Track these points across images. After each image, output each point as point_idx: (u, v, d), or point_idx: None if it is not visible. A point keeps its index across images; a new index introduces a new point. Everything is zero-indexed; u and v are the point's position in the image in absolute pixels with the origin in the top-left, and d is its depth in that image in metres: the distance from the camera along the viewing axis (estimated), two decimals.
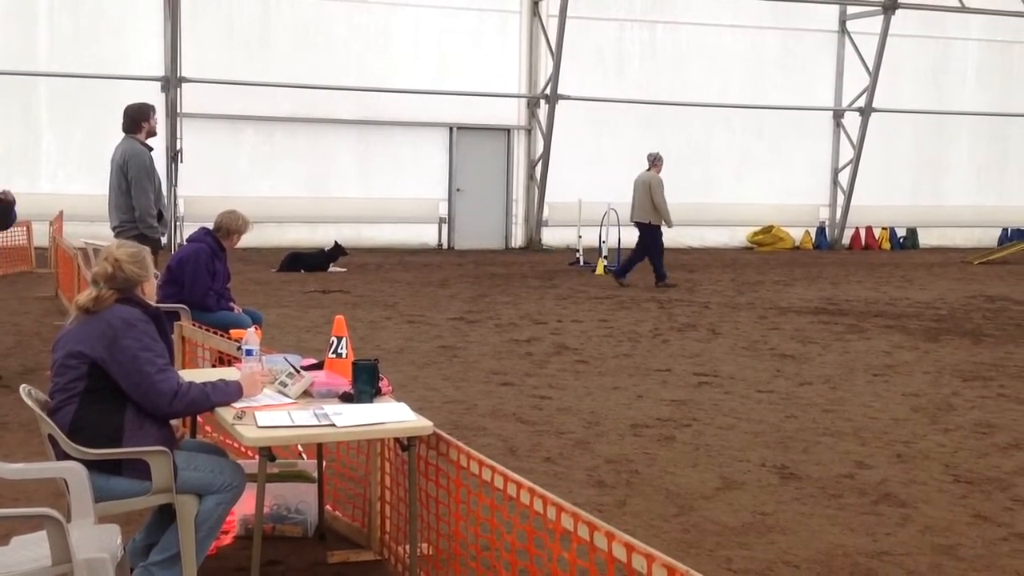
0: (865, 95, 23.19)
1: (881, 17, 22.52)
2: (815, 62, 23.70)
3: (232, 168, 19.85)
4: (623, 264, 15.83)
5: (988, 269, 19.59)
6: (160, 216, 8.35)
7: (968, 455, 6.57)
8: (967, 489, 5.87)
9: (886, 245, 24.23)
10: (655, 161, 15.56)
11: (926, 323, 12.28)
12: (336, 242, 17.47)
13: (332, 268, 16.88)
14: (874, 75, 22.93)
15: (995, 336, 11.38)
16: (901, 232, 24.55)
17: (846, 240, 24.12)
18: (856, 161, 23.41)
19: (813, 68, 23.69)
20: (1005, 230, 24.89)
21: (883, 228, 24.32)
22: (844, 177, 23.82)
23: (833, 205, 24.27)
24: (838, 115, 23.96)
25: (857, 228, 24.12)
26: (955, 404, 8.00)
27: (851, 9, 23.34)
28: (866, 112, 23.20)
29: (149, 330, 4.07)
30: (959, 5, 22.73)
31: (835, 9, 23.51)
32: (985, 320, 12.62)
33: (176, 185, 18.94)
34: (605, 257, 17.50)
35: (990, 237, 24.79)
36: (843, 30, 23.65)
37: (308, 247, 18.11)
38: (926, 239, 24.56)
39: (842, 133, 23.94)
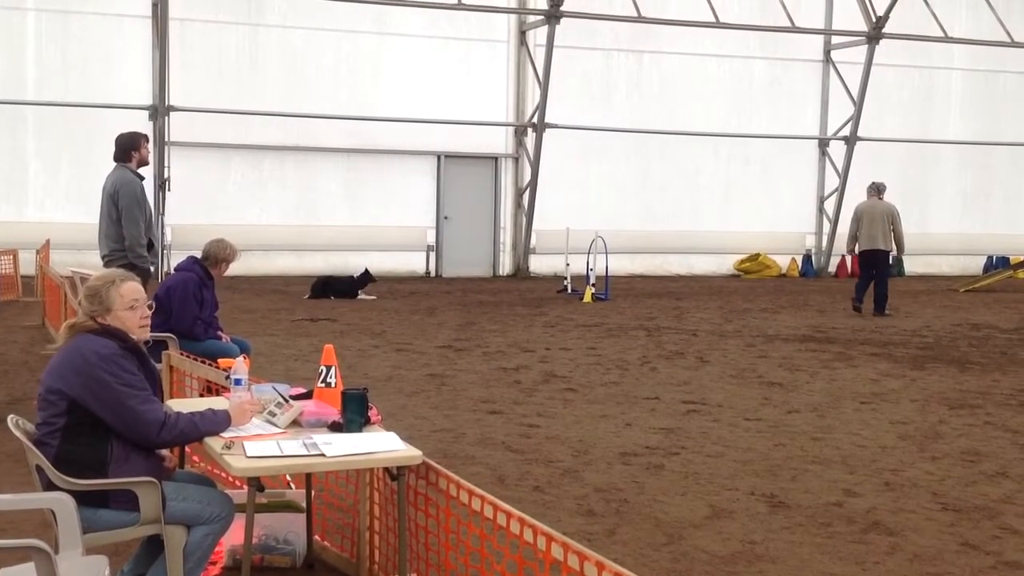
0: (850, 124, 23.37)
1: (866, 47, 22.74)
2: (801, 91, 23.89)
3: (220, 196, 19.86)
4: (879, 302, 15.81)
5: (974, 297, 19.69)
6: (150, 245, 8.35)
7: (956, 483, 6.59)
8: (955, 517, 5.89)
9: None
10: (883, 189, 15.85)
11: (912, 351, 12.32)
12: (366, 269, 17.55)
13: (361, 295, 16.94)
14: (859, 104, 23.12)
15: (981, 364, 11.43)
16: None
17: (832, 268, 24.23)
18: (842, 189, 23.55)
19: (799, 97, 23.88)
20: (990, 258, 25.03)
21: None
22: (830, 205, 23.96)
23: (819, 233, 24.40)
24: (823, 144, 24.13)
25: (843, 256, 24.21)
26: (942, 432, 8.03)
27: (836, 39, 23.56)
28: (851, 141, 23.37)
29: (126, 364, 4.03)
30: (943, 35, 22.96)
31: (820, 39, 23.73)
32: (971, 348, 12.68)
33: (164, 213, 18.94)
34: (593, 285, 17.53)
35: (975, 265, 24.93)
36: (828, 60, 23.85)
37: (339, 274, 18.13)
38: (912, 267, 24.67)
39: (828, 162, 24.10)
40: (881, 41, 22.62)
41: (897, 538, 5.52)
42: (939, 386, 10.01)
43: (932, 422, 8.37)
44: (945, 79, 24.91)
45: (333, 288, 16.96)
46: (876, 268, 15.79)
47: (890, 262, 16.01)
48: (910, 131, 24.46)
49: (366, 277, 17.25)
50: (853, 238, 15.85)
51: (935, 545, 5.42)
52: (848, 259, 23.79)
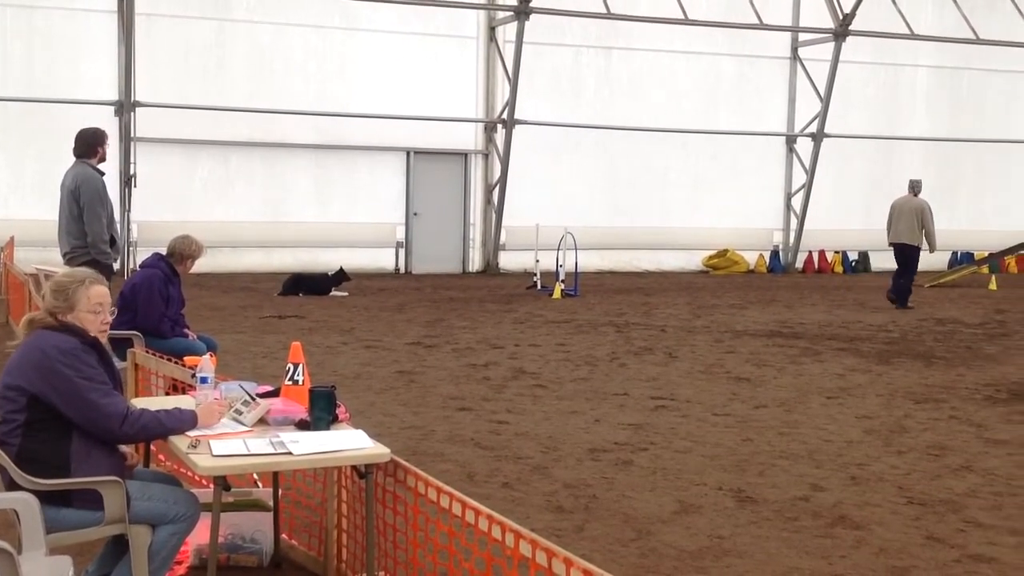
0: (817, 121, 23.53)
1: (832, 44, 22.89)
2: (768, 88, 24.02)
3: (187, 193, 19.72)
4: (900, 295, 16.55)
5: (939, 292, 19.88)
6: (112, 242, 8.27)
7: (921, 477, 6.65)
8: (920, 511, 5.94)
9: (839, 268, 24.53)
10: (919, 187, 16.55)
11: (878, 346, 12.43)
12: (341, 267, 17.47)
13: (334, 292, 16.86)
14: (826, 101, 23.27)
15: (946, 359, 11.54)
16: (853, 256, 24.87)
17: (799, 264, 24.40)
18: (809, 186, 23.72)
19: (766, 94, 24.01)
20: (955, 254, 25.27)
21: (836, 252, 24.63)
22: (797, 201, 24.12)
23: (787, 229, 24.55)
24: (791, 140, 24.28)
25: (810, 252, 24.41)
26: (907, 426, 8.10)
27: (803, 36, 23.70)
28: (818, 137, 23.53)
29: (86, 358, 4.02)
30: (909, 32, 23.16)
31: (787, 36, 23.86)
32: (936, 343, 12.80)
33: (129, 210, 18.79)
34: (562, 281, 17.56)
35: (940, 261, 25.12)
36: (795, 57, 24.00)
37: (309, 270, 18.06)
38: (878, 263, 24.84)
39: (795, 158, 24.25)
40: (848, 38, 22.79)
41: (863, 532, 5.56)
42: (904, 381, 10.10)
43: (897, 416, 8.45)
44: (911, 76, 25.13)
45: (305, 285, 16.87)
46: (903, 262, 16.44)
47: (918, 257, 16.54)
48: (876, 128, 24.67)
49: (340, 275, 17.18)
50: (888, 231, 16.64)
51: (900, 539, 5.47)
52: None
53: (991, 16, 24.50)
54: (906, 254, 16.48)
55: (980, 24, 23.89)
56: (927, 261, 24.61)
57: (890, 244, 16.68)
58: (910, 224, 16.26)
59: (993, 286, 20.71)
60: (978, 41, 23.84)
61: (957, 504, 6.08)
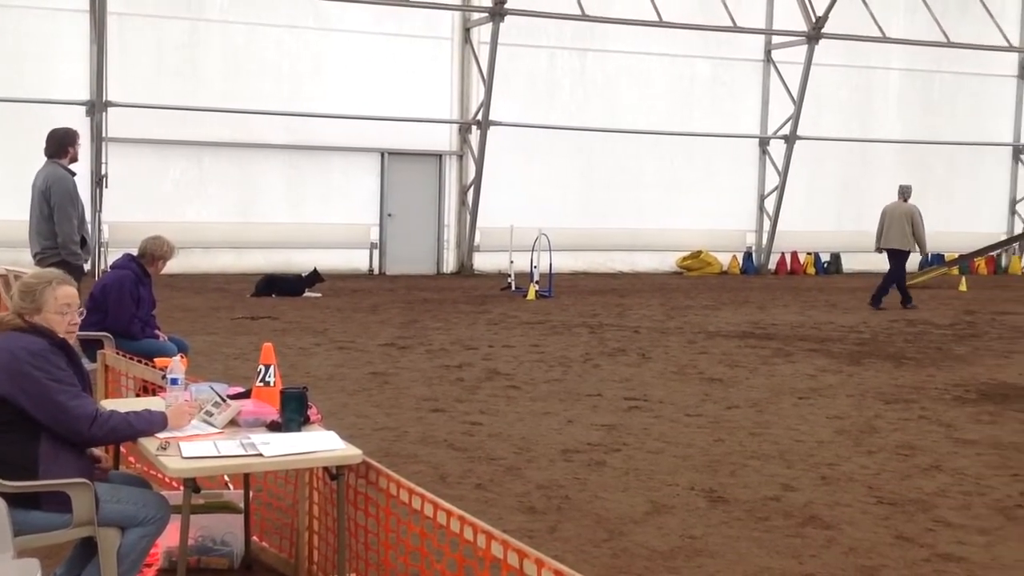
0: (790, 123, 23.65)
1: (805, 47, 23.02)
2: (742, 90, 24.13)
3: (159, 193, 19.58)
4: (876, 294, 16.93)
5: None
6: (83, 242, 8.21)
7: (891, 477, 6.70)
8: (890, 511, 5.99)
9: (811, 270, 24.67)
10: (908, 192, 16.87)
11: (849, 347, 12.51)
12: (315, 268, 17.42)
13: (307, 293, 16.80)
14: (798, 103, 23.40)
15: (916, 359, 11.64)
16: (825, 257, 25.02)
17: (772, 265, 24.51)
18: (781, 188, 23.84)
19: (740, 96, 24.11)
20: (925, 255, 25.45)
21: (808, 253, 24.77)
22: (770, 203, 24.23)
23: (759, 231, 24.66)
24: (764, 142, 24.39)
25: (783, 253, 24.53)
26: (878, 427, 8.16)
27: (776, 39, 23.82)
28: (791, 140, 23.65)
29: (55, 359, 4.00)
30: (881, 36, 23.33)
31: (761, 39, 23.97)
32: (906, 344, 12.90)
33: (101, 211, 18.64)
34: (536, 282, 17.57)
35: (911, 263, 25.25)
36: (769, 59, 24.12)
37: (285, 271, 17.99)
38: (849, 264, 25.05)
39: (768, 160, 24.37)
40: (820, 41, 22.91)
41: (833, 531, 5.60)
42: (875, 381, 10.17)
43: (868, 417, 8.51)
44: (883, 79, 25.30)
45: (278, 286, 16.80)
46: (892, 264, 16.85)
47: (905, 261, 16.92)
48: (848, 130, 24.82)
49: (314, 276, 17.13)
50: (878, 236, 16.87)
51: (870, 538, 5.51)
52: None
53: (962, 19, 24.73)
54: (896, 257, 16.78)
55: (951, 27, 24.10)
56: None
57: (881, 249, 16.94)
58: (901, 229, 16.51)
59: (963, 287, 20.91)
60: (949, 44, 24.04)
61: (926, 504, 6.13)
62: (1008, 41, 24.92)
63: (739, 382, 9.98)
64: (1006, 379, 10.49)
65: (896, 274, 16.86)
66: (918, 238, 16.60)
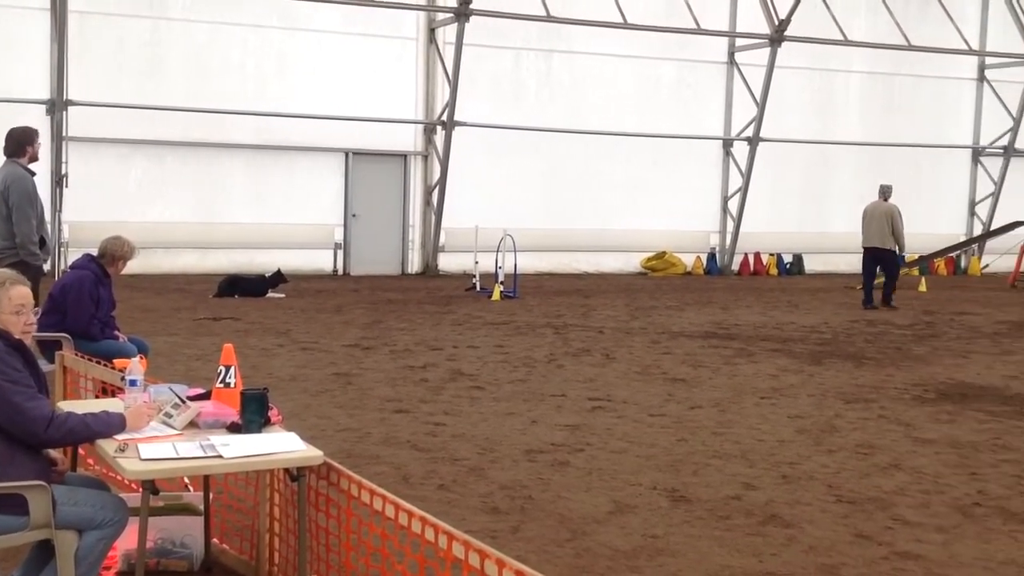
0: (753, 125, 23.82)
1: (768, 49, 23.19)
2: (706, 92, 24.27)
3: (120, 193, 19.39)
4: (885, 295, 17.22)
5: None
6: (42, 243, 8.12)
7: (850, 476, 6.77)
8: (849, 509, 6.04)
9: (773, 271, 24.86)
10: (889, 192, 17.20)
11: (811, 347, 12.62)
12: (279, 269, 17.34)
13: (270, 294, 16.71)
14: (761, 105, 23.57)
15: (876, 359, 11.75)
16: (788, 258, 25.22)
17: (735, 266, 24.67)
18: (745, 189, 24.00)
19: (704, 98, 24.25)
20: (902, 254, 25.68)
21: (771, 254, 24.96)
22: (734, 204, 24.39)
23: (723, 232, 24.81)
24: (728, 144, 24.55)
25: (746, 254, 24.69)
26: (838, 426, 8.24)
27: (740, 41, 23.98)
28: (754, 141, 23.82)
29: (10, 360, 3.96)
30: (843, 39, 23.55)
31: (724, 41, 24.12)
32: (867, 344, 13.02)
33: (61, 211, 18.45)
34: (501, 283, 17.58)
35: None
36: (732, 62, 24.27)
37: (249, 272, 17.89)
38: (811, 265, 25.27)
39: (732, 162, 24.53)
40: (783, 44, 23.11)
41: (793, 530, 5.65)
42: (835, 381, 10.26)
43: (828, 416, 8.59)
44: (844, 81, 25.54)
45: (240, 287, 16.70)
46: (881, 265, 17.11)
47: (894, 259, 17.19)
48: (811, 132, 25.02)
49: (278, 277, 17.04)
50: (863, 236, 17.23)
51: (830, 536, 5.56)
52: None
53: (922, 23, 25.02)
54: (879, 258, 17.06)
55: (912, 31, 24.38)
56: (858, 264, 25.21)
57: (863, 248, 17.26)
58: (881, 228, 16.83)
59: (923, 288, 21.13)
60: (910, 47, 24.32)
61: (885, 502, 6.20)
62: (968, 44, 25.25)
63: (702, 382, 10.04)
64: (964, 379, 10.62)
65: (893, 273, 17.19)
66: (897, 236, 16.89)
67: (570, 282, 21.18)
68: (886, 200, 17.11)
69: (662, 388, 9.68)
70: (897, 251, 17.06)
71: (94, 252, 7.99)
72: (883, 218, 16.85)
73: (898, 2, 24.63)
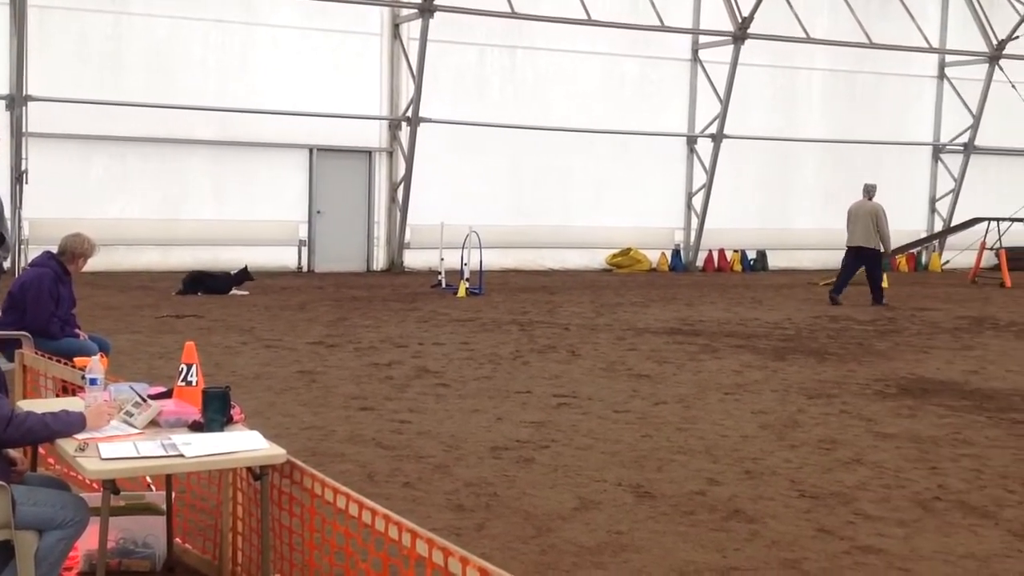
0: (717, 122, 23.94)
1: (731, 47, 23.31)
2: (670, 89, 24.35)
3: (81, 190, 19.17)
4: (875, 293, 17.41)
5: None
6: (1, 240, 8.02)
7: (813, 471, 6.82)
8: (811, 504, 6.09)
9: (737, 267, 25.01)
10: (873, 191, 17.47)
11: (774, 343, 12.71)
12: (245, 266, 17.27)
13: (234, 292, 16.61)
14: (725, 102, 23.69)
15: (838, 355, 11.86)
16: (752, 254, 25.38)
17: (700, 262, 24.79)
18: (709, 186, 24.11)
19: (668, 95, 24.33)
20: (887, 252, 25.86)
21: (735, 251, 25.10)
22: (698, 201, 24.51)
23: (688, 228, 24.93)
24: (692, 141, 24.65)
25: (710, 251, 24.82)
26: (801, 421, 8.30)
27: (703, 39, 24.09)
28: (718, 138, 23.94)
29: None
30: (805, 36, 23.71)
31: (688, 39, 24.22)
32: (829, 339, 13.14)
33: (21, 207, 18.22)
34: (467, 279, 17.56)
35: (835, 259, 25.60)
36: (696, 59, 24.37)
37: (213, 269, 17.77)
38: (775, 261, 25.44)
39: (695, 158, 24.64)
40: (746, 41, 23.23)
41: (756, 525, 5.69)
42: (798, 376, 10.35)
43: (791, 411, 8.65)
44: (807, 79, 25.72)
45: (204, 284, 16.57)
46: (864, 264, 17.32)
47: (878, 258, 17.41)
48: (773, 129, 25.17)
49: (243, 274, 16.93)
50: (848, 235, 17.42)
51: (792, 531, 5.61)
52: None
53: (884, 21, 25.23)
54: (863, 256, 17.28)
55: (873, 29, 24.59)
56: (823, 260, 25.47)
57: (847, 247, 17.49)
58: (866, 227, 17.08)
59: (885, 284, 21.28)
60: (871, 45, 24.53)
61: (847, 497, 6.25)
62: (928, 42, 25.51)
63: (667, 378, 10.09)
64: (925, 374, 10.74)
65: (877, 270, 17.39)
66: (882, 235, 17.12)
67: (536, 279, 21.20)
68: (870, 199, 17.34)
69: (627, 384, 9.71)
70: (881, 250, 17.29)
71: (54, 249, 7.91)
72: (868, 217, 17.07)
73: (859, 0, 24.83)
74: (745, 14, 23.02)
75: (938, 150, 27.36)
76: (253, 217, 20.57)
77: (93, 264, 8.39)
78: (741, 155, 24.52)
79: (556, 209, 23.07)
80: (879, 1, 25.50)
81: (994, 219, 22.70)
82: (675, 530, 5.57)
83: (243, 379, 9.34)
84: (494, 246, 20.14)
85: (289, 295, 16.75)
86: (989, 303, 18.30)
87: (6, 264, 8.43)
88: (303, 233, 21.23)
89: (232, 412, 4.30)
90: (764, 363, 11.12)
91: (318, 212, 21.28)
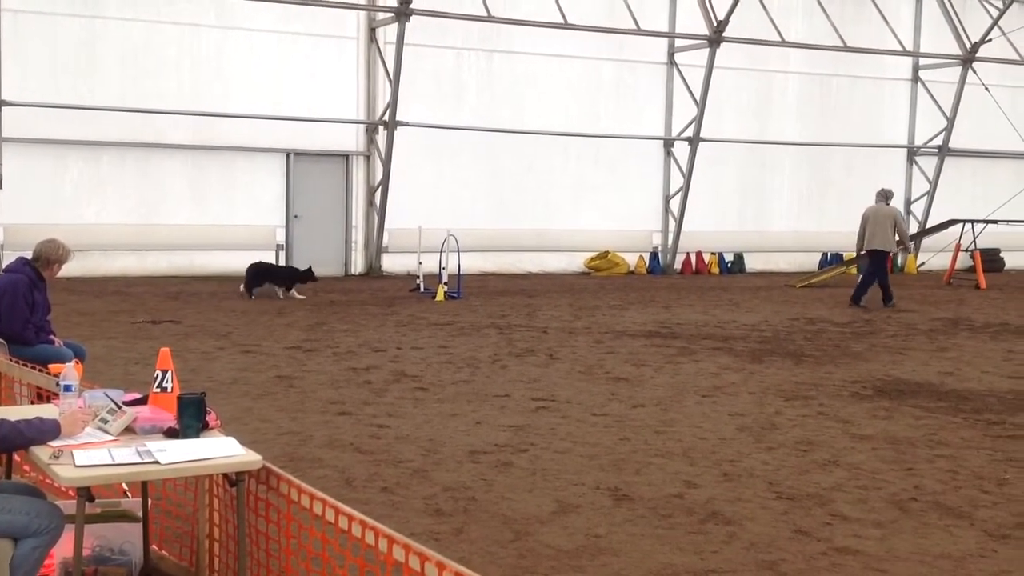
0: (693, 125, 24.01)
1: (707, 50, 23.40)
2: (646, 92, 24.41)
3: (56, 195, 19.04)
4: (884, 294, 17.49)
5: (809, 292, 20.50)
6: None
7: (790, 472, 6.85)
8: (789, 505, 6.12)
9: (715, 269, 25.09)
10: (890, 196, 17.69)
11: (752, 345, 12.76)
12: (310, 267, 17.52)
13: (294, 291, 17.04)
14: (701, 106, 23.77)
15: (815, 357, 11.92)
16: (729, 257, 25.47)
17: (678, 265, 24.86)
18: (686, 189, 24.18)
19: (644, 98, 24.39)
20: (825, 254, 26.09)
21: (712, 253, 25.19)
22: (675, 204, 24.57)
23: (665, 231, 24.98)
24: (668, 144, 24.71)
25: (688, 253, 24.89)
26: (778, 423, 8.34)
27: (679, 42, 24.17)
28: (694, 141, 24.02)
29: None
30: (780, 40, 23.83)
31: (664, 42, 24.29)
32: (806, 341, 13.20)
33: None
34: (445, 283, 17.54)
35: (811, 261, 25.96)
36: (672, 62, 24.44)
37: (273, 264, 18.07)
38: (752, 263, 25.55)
39: (672, 161, 24.70)
40: (722, 44, 23.33)
41: (734, 527, 5.71)
42: (776, 379, 10.39)
43: (768, 414, 8.69)
44: (782, 82, 25.84)
45: (269, 276, 17.06)
46: (873, 265, 17.51)
47: (884, 261, 17.58)
48: (749, 132, 25.29)
49: (308, 274, 17.27)
50: (861, 238, 17.52)
51: (770, 532, 5.63)
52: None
53: (858, 24, 25.41)
54: (880, 258, 17.46)
55: (848, 32, 24.75)
56: (799, 262, 25.61)
57: (863, 251, 17.66)
58: (885, 231, 17.23)
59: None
60: (846, 49, 24.68)
61: (824, 498, 6.28)
62: (902, 46, 25.70)
63: (645, 381, 10.11)
64: (901, 375, 10.81)
65: (878, 274, 17.50)
66: (901, 236, 17.53)
67: (514, 282, 21.20)
68: (887, 203, 17.53)
69: (605, 387, 9.73)
70: (904, 249, 17.64)
71: (29, 255, 7.85)
72: (887, 220, 17.23)
73: (834, 4, 24.99)
74: (720, 18, 23.11)
75: (913, 152, 27.54)
76: (230, 221, 20.48)
77: (68, 269, 8.33)
78: (718, 158, 24.62)
79: (534, 212, 23.09)
80: (853, 5, 25.67)
81: (969, 221, 22.88)
82: (653, 533, 5.58)
83: (220, 385, 9.29)
84: (472, 249, 20.14)
85: (267, 299, 16.68)
86: (964, 305, 18.43)
87: None
88: (281, 237, 21.15)
89: (208, 418, 4.28)
90: (741, 365, 11.16)
91: (295, 216, 21.21)
